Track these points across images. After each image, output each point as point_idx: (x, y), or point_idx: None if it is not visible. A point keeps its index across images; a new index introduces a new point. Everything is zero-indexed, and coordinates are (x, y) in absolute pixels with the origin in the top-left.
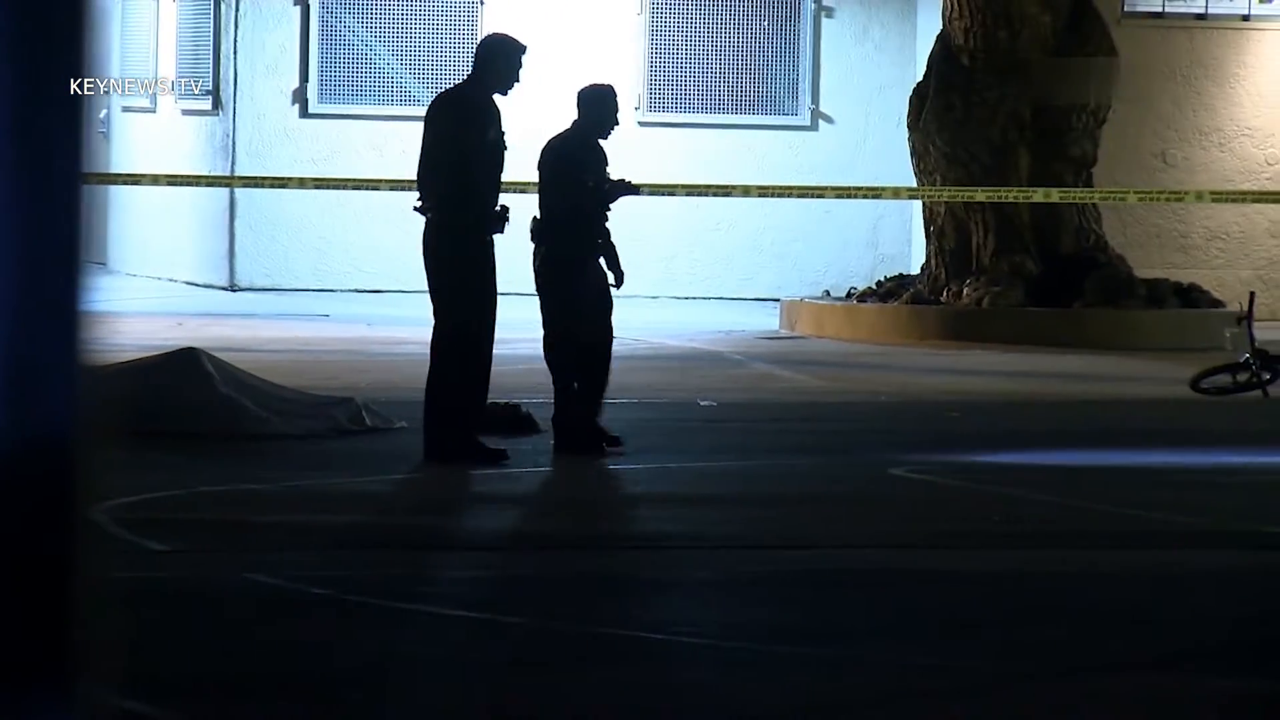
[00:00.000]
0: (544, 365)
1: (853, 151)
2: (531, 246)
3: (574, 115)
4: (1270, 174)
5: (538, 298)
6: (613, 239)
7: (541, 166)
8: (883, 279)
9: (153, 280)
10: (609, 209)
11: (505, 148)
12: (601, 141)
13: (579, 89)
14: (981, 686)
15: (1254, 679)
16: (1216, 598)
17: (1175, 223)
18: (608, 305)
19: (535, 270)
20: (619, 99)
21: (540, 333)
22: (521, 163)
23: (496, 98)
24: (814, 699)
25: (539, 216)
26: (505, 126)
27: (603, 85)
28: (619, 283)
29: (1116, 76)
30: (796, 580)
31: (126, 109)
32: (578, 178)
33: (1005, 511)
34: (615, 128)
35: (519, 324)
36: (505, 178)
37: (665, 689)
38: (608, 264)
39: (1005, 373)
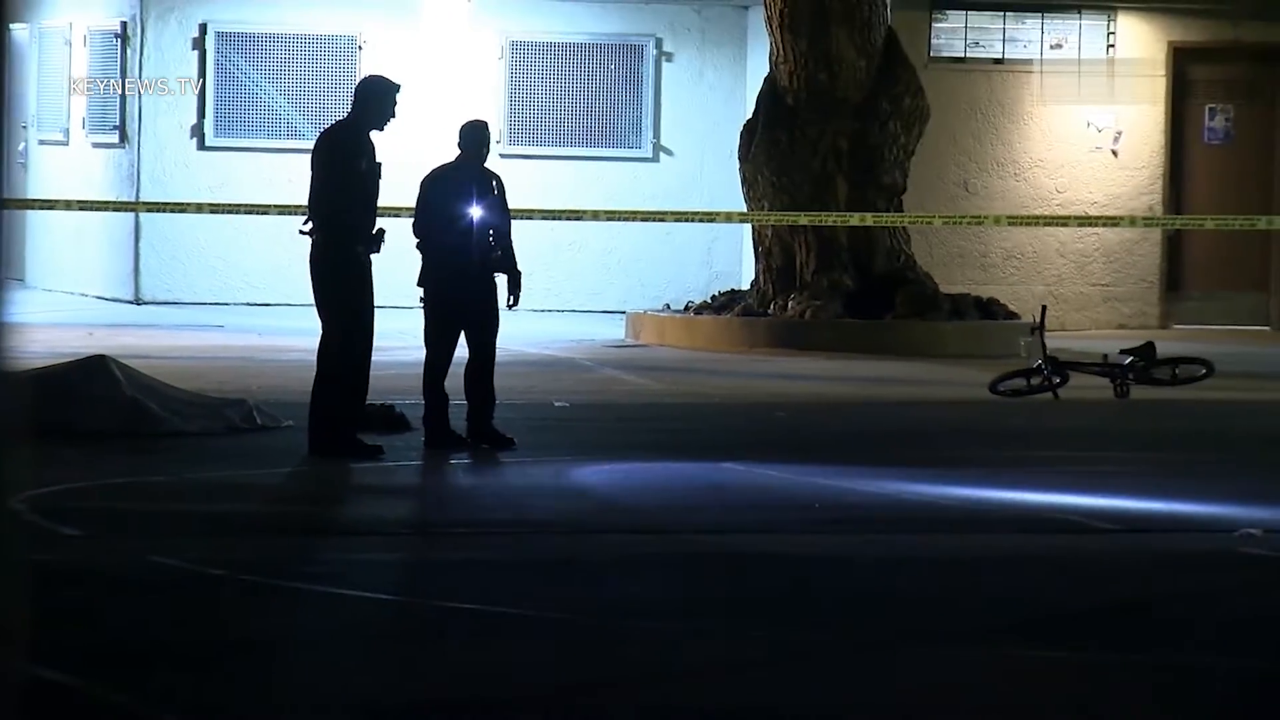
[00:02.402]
0: (417, 371)
1: (690, 180)
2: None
3: (453, 146)
4: (1060, 201)
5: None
6: (518, 264)
7: (419, 192)
8: (717, 293)
9: (66, 295)
10: (497, 232)
11: (380, 176)
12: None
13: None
14: (801, 656)
15: (1062, 650)
16: (1023, 576)
17: (976, 244)
18: (491, 321)
19: (418, 285)
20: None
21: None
22: (398, 190)
23: (375, 132)
24: (654, 669)
25: (417, 239)
26: (382, 157)
27: (477, 120)
28: (512, 304)
29: (924, 114)
30: (642, 562)
31: (43, 142)
32: (449, 200)
33: (826, 501)
34: (487, 154)
35: (394, 334)
36: (383, 203)
37: (516, 662)
38: (509, 286)
39: (826, 377)
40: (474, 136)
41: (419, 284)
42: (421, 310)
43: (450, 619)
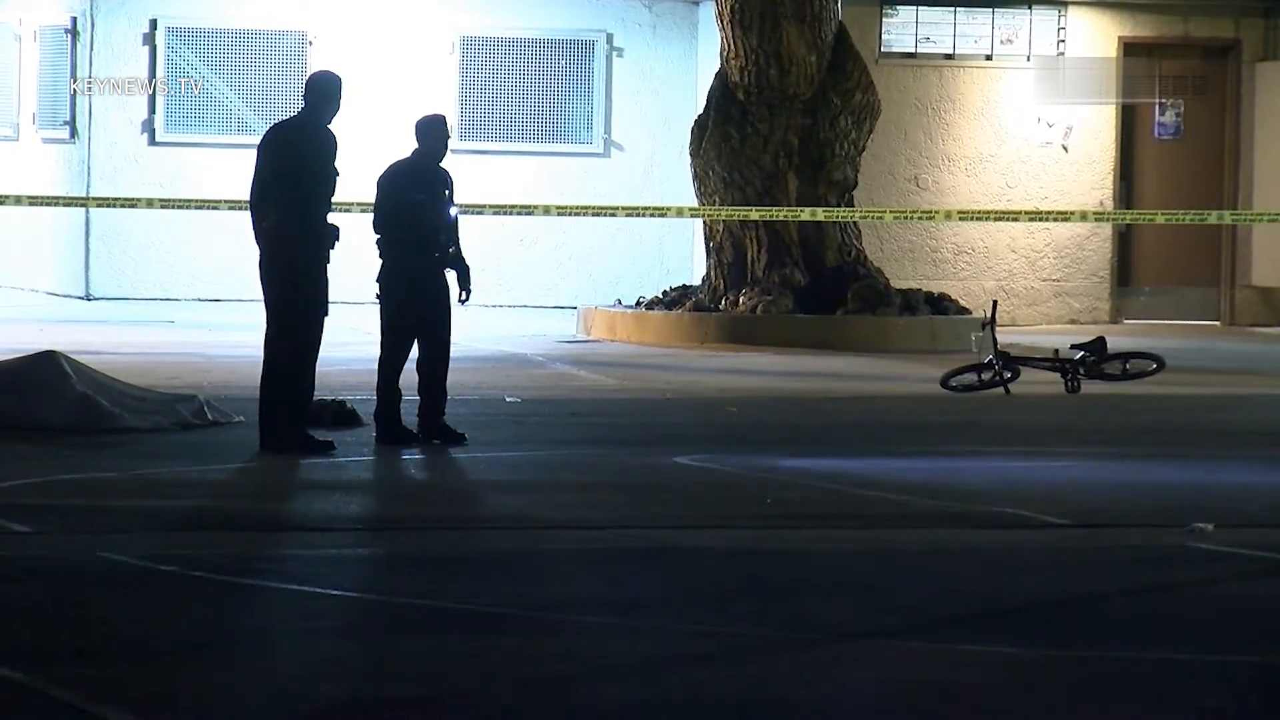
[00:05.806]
0: (368, 366)
1: (641, 176)
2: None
3: (405, 142)
4: (1010, 196)
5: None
6: (465, 260)
7: (378, 189)
8: (668, 289)
9: (16, 290)
10: (453, 229)
11: (339, 174)
12: (443, 164)
13: (416, 119)
14: (748, 650)
15: (1000, 644)
16: (974, 571)
17: (927, 239)
18: (444, 318)
19: (376, 282)
20: (448, 126)
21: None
22: (345, 185)
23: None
24: (596, 664)
25: (377, 235)
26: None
27: (434, 114)
28: (464, 299)
29: (875, 110)
30: (592, 557)
31: None
32: (410, 198)
33: (777, 495)
34: (446, 151)
35: (344, 329)
36: (334, 199)
37: (461, 654)
38: (459, 281)
39: (777, 373)
40: (433, 131)
41: (378, 280)
42: (377, 306)
43: (400, 614)
